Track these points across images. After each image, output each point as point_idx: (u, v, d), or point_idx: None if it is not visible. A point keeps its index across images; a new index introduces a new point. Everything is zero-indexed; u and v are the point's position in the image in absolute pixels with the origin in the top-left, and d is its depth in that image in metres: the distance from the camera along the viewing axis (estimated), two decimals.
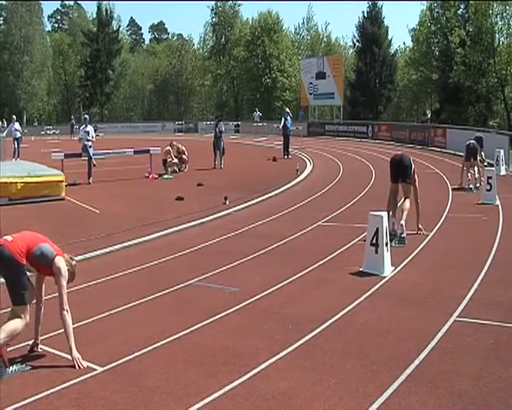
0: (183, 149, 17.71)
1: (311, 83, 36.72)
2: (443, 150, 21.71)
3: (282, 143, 21.43)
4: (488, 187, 10.48)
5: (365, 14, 42.41)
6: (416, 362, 4.03)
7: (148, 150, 16.52)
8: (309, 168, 17.45)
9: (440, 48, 39.04)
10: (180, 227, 8.95)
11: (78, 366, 4.01)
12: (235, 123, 40.36)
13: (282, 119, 21.54)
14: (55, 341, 4.51)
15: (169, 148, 17.06)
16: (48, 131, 41.61)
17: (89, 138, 14.85)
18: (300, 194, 12.45)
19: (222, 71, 53.01)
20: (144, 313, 5.22)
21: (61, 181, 12.20)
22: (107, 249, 7.53)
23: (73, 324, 4.91)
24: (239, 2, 53.14)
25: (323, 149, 24.53)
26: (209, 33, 55.47)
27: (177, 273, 6.43)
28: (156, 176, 15.70)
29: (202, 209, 10.44)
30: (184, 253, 7.39)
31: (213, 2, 53.54)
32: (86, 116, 15.99)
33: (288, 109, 22.79)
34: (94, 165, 15.16)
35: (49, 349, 4.37)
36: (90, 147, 14.95)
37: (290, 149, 21.10)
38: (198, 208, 10.56)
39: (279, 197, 12.25)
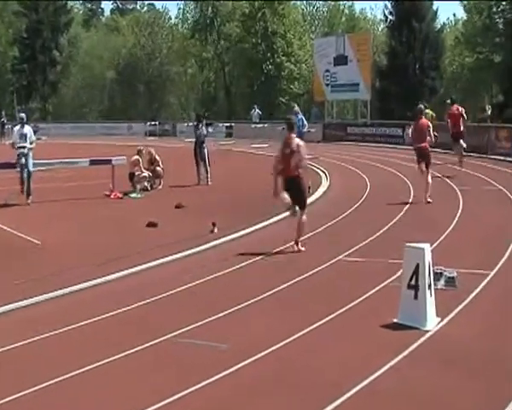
0: (157, 158, 17.84)
1: (327, 70, 37.11)
2: (508, 158, 21.86)
3: None
4: None
5: None
6: None
7: (110, 160, 16.65)
8: (325, 184, 17.61)
9: (507, 19, 39.16)
10: (152, 264, 8.99)
11: None
12: (227, 124, 40.72)
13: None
14: None
15: (137, 157, 17.20)
16: None
17: (26, 144, 14.94)
18: (314, 219, 12.48)
19: (209, 54, 53.58)
20: (102, 380, 5.26)
21: None
22: (48, 295, 7.56)
23: (4, 398, 4.94)
24: None
25: (344, 158, 24.59)
26: (191, 4, 56.22)
27: (150, 326, 6.48)
28: (120, 195, 15.83)
29: (183, 239, 10.49)
30: (158, 298, 7.44)
31: None
32: (23, 115, 16.08)
33: (297, 107, 23.04)
34: (22, 178, 14.91)
35: None
36: (28, 155, 15.05)
37: None
38: (177, 238, 10.61)
39: (285, 223, 12.23)
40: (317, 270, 8.53)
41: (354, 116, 41.98)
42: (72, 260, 9.26)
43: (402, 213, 12.67)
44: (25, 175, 14.90)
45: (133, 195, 16.15)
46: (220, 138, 36.95)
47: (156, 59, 56.76)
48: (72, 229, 11.91)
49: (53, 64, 53.57)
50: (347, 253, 9.43)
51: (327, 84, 37.21)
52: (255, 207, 13.83)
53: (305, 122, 21.83)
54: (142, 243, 10.41)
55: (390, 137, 31.17)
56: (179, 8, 68.97)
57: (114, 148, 26.65)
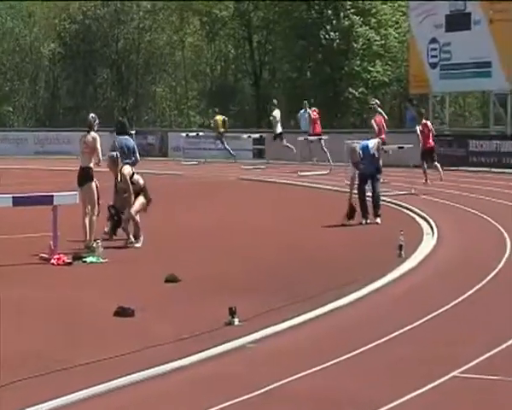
0: (142, 182, 18.36)
1: (434, 40, 37.12)
2: None
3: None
4: None
5: None
6: None
7: (50, 197, 16.77)
8: (430, 242, 17.83)
9: None
10: (124, 380, 8.97)
11: None
12: (256, 135, 40.76)
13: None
14: None
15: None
16: None
17: None
18: (409, 303, 12.60)
19: (225, 12, 53.71)
20: None
21: None
22: None
23: None
24: None
25: (462, 195, 24.74)
26: None
27: None
28: (68, 258, 16.00)
29: (179, 338, 10.59)
30: None
31: None
32: None
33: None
34: None
35: None
36: None
37: (384, 199, 21.65)
38: (167, 336, 10.67)
39: (356, 311, 12.36)
40: (412, 395, 8.45)
41: (482, 122, 41.83)
42: None
43: None
44: None
45: (90, 258, 16.29)
46: (244, 159, 37.42)
47: (130, 22, 56.54)
48: None
49: None
50: (467, 366, 9.36)
51: (433, 65, 37.32)
52: (302, 280, 14.06)
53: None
54: (108, 345, 10.47)
55: None
56: None
57: (58, 175, 26.82)
